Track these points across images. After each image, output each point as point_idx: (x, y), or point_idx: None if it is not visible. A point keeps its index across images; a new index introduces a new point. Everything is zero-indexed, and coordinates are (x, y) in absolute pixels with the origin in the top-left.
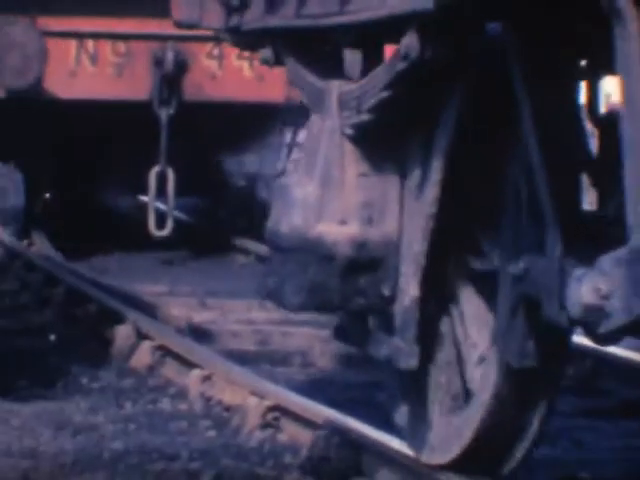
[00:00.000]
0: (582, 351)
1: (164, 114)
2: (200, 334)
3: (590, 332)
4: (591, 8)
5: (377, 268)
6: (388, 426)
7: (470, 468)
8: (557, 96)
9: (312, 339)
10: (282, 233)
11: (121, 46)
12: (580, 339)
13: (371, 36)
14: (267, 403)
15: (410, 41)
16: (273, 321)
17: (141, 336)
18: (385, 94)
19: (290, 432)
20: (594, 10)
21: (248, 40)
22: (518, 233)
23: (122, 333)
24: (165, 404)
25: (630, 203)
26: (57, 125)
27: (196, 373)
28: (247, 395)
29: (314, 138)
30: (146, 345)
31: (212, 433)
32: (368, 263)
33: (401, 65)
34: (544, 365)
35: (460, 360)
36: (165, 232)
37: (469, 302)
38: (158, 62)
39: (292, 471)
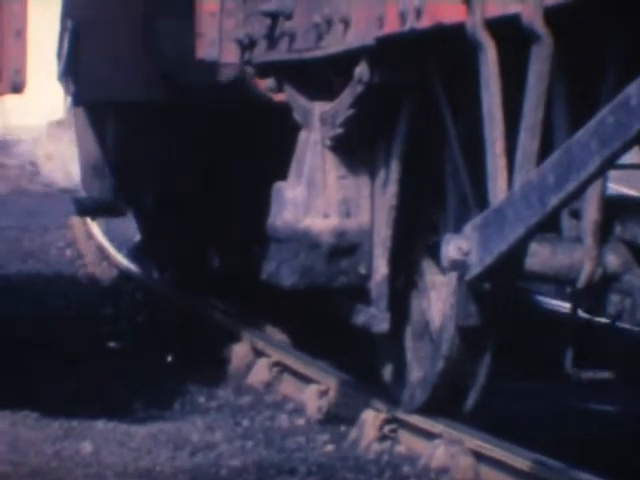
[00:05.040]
0: None
1: None
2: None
3: (460, 280)
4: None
5: (355, 252)
6: (507, 435)
7: (436, 410)
8: (470, 114)
9: None
10: (277, 226)
11: None
12: None
13: (340, 65)
14: (384, 416)
15: (362, 69)
16: None
17: (258, 353)
18: (350, 112)
19: (408, 443)
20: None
21: (258, 71)
22: (452, 217)
23: (239, 351)
24: (282, 420)
25: (489, 185)
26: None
27: (313, 388)
28: (364, 408)
29: (302, 149)
30: (263, 362)
31: (330, 447)
32: (347, 248)
33: (358, 88)
34: (485, 324)
35: (427, 324)
36: None
37: (431, 276)
38: None
39: None
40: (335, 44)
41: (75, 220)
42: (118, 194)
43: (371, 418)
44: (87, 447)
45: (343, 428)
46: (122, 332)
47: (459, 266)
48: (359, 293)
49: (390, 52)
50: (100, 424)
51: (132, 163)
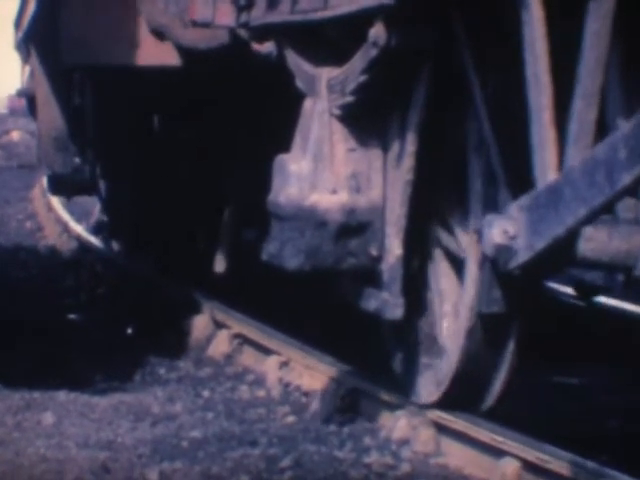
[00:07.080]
0: None
1: None
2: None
3: (504, 268)
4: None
5: (365, 231)
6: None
7: (453, 405)
8: (502, 80)
9: None
10: (280, 203)
11: None
12: None
13: (352, 27)
14: (345, 387)
15: (378, 30)
16: None
17: (218, 325)
18: (363, 78)
19: (369, 415)
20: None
21: (256, 35)
22: (477, 195)
23: (199, 323)
24: (243, 391)
25: (535, 160)
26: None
27: (273, 359)
28: (325, 379)
29: (307, 119)
30: (223, 333)
31: (291, 418)
32: (357, 227)
33: (373, 52)
34: (510, 310)
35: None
36: None
37: (446, 256)
38: None
39: (371, 453)
40: (346, 3)
41: (35, 193)
42: (93, 169)
43: (332, 389)
44: (48, 418)
45: (304, 399)
46: (83, 304)
47: (504, 251)
48: (370, 276)
49: (410, 11)
50: (61, 395)
51: (112, 133)
